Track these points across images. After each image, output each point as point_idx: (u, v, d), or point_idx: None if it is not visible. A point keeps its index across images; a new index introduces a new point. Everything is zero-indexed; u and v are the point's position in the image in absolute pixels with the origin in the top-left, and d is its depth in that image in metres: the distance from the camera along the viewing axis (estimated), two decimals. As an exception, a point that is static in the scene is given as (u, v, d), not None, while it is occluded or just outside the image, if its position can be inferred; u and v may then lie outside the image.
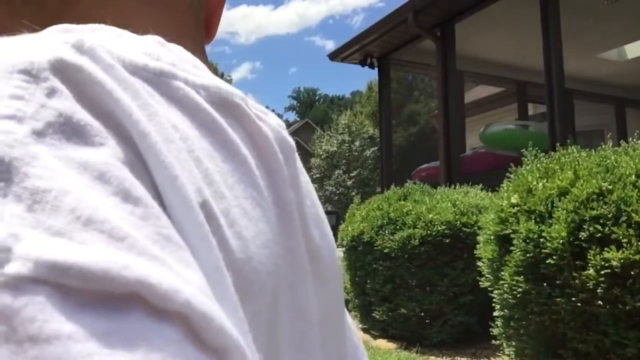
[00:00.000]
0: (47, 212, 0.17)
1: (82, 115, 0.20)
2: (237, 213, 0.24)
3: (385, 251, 4.33)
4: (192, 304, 0.17)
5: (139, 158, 0.21)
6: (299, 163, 0.32)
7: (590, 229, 2.33)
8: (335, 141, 27.66)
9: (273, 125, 0.29)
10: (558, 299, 2.47)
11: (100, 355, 0.15)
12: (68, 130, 0.20)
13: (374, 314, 4.56)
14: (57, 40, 0.22)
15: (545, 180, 2.72)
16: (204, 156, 0.23)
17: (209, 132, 0.25)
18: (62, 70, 0.21)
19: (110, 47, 0.23)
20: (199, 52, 0.35)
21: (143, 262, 0.17)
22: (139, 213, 0.18)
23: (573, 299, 2.41)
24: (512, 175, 3.05)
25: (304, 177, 0.32)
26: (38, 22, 0.26)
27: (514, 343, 2.86)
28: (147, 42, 0.26)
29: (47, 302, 0.15)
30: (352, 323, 0.44)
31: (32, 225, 0.16)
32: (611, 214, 2.30)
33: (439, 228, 4.13)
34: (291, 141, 0.31)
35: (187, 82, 0.25)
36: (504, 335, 2.97)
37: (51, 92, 0.20)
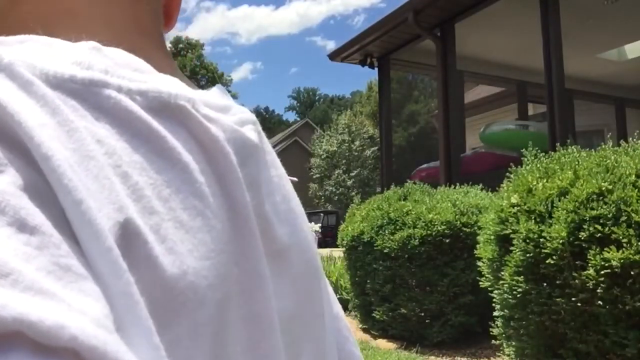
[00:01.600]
0: None
1: None
2: (171, 227, 0.23)
3: (385, 251, 4.33)
4: (79, 339, 0.16)
5: (47, 183, 0.19)
6: (269, 157, 0.30)
7: (590, 229, 2.33)
8: (335, 141, 27.65)
9: (227, 124, 0.28)
10: (558, 299, 2.46)
11: None
12: None
13: (374, 314, 4.56)
14: None
15: (545, 180, 2.71)
16: (134, 170, 0.22)
17: (143, 141, 0.23)
18: None
19: (33, 61, 0.22)
20: (155, 46, 0.33)
21: (26, 299, 0.16)
22: (35, 243, 0.18)
23: (573, 299, 2.40)
24: (512, 175, 3.04)
25: (276, 171, 0.31)
26: None
27: (514, 343, 2.86)
28: (79, 50, 0.25)
29: None
30: (342, 315, 0.42)
31: None
32: (611, 214, 2.30)
33: (439, 228, 4.13)
34: (252, 138, 0.29)
35: (120, 89, 0.24)
36: (504, 335, 2.97)
37: None
